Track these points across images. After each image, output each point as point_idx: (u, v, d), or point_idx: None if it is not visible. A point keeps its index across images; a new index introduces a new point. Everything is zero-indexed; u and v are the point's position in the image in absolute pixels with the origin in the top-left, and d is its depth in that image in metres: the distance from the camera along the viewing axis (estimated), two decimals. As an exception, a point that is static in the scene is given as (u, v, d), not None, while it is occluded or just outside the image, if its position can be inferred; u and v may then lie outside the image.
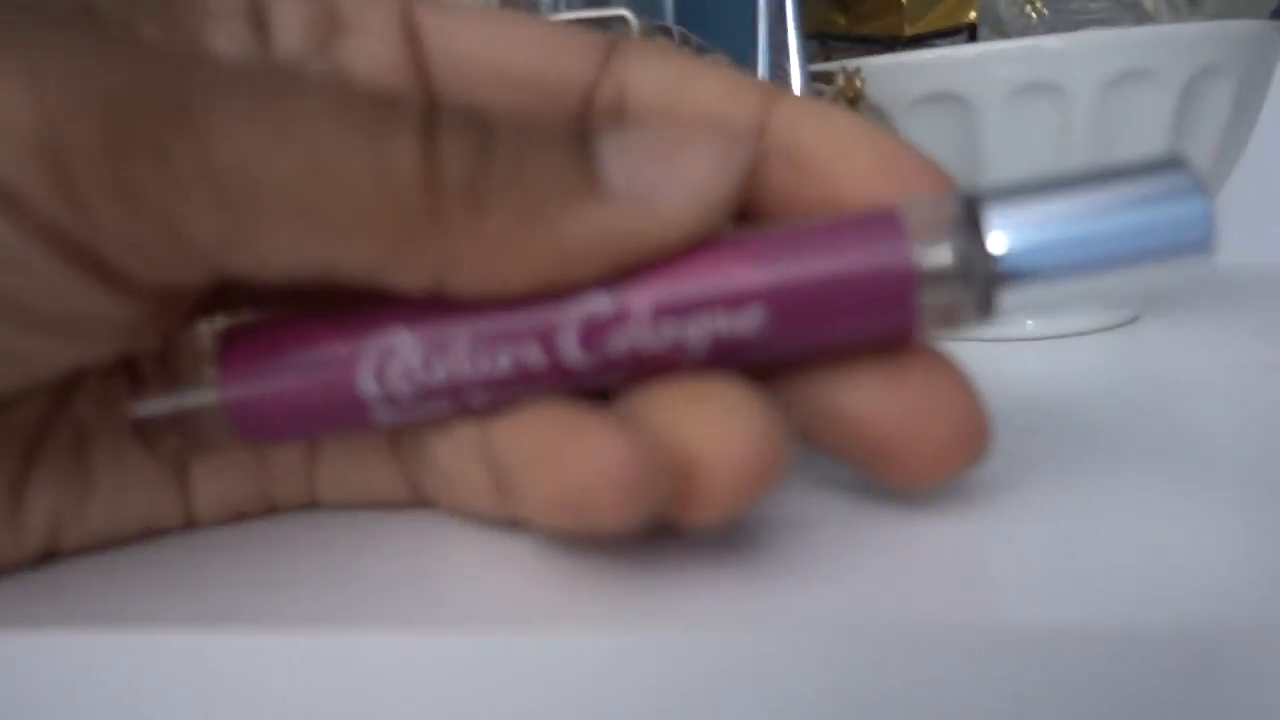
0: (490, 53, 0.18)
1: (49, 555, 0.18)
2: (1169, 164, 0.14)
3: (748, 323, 0.15)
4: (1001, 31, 0.26)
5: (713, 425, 0.14)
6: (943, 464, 0.15)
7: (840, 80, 0.26)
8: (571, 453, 0.14)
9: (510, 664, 0.14)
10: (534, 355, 0.15)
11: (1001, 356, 0.29)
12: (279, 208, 0.13)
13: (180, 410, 0.16)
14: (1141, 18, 0.27)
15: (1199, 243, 0.14)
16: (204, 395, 0.16)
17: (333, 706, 0.15)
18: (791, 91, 0.18)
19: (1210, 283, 0.39)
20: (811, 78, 0.26)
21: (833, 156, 0.17)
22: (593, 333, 0.15)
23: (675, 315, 0.15)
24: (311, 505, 0.19)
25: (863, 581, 0.14)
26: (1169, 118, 0.27)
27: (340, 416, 0.16)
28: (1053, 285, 0.15)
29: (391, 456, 0.18)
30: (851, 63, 0.27)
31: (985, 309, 0.15)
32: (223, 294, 0.18)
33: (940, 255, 0.14)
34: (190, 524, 0.19)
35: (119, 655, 0.15)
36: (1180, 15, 0.27)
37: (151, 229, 0.13)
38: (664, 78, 0.18)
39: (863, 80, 0.26)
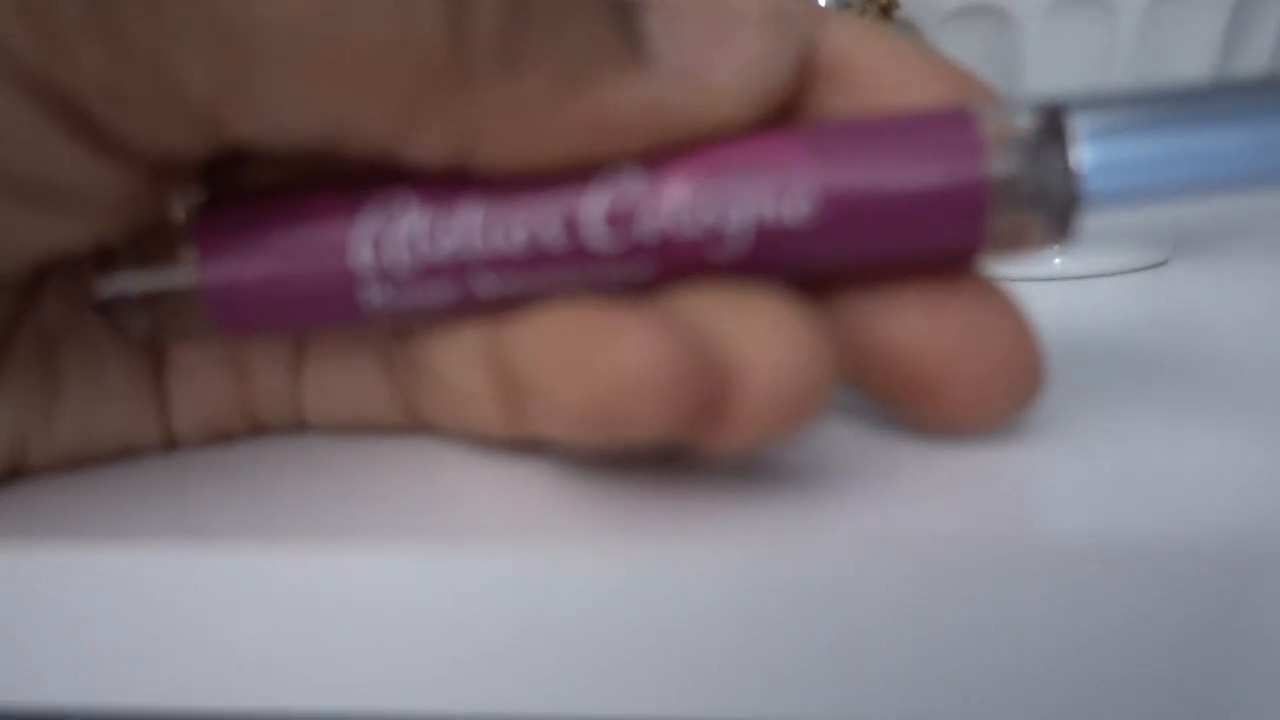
0: None
1: (15, 473, 0.16)
2: (1267, 84, 0.13)
3: (795, 212, 0.13)
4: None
5: (758, 336, 0.12)
6: (992, 404, 0.14)
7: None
8: (602, 352, 0.12)
9: (511, 581, 0.13)
10: (553, 232, 0.13)
11: (1030, 294, 0.28)
12: (283, 54, 0.12)
13: (150, 289, 0.15)
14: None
15: None
16: (177, 273, 0.15)
17: (320, 624, 0.13)
18: (833, 11, 0.16)
19: (1242, 223, 0.38)
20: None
21: (886, 75, 0.15)
22: (621, 210, 0.13)
23: (714, 195, 0.13)
24: (299, 426, 0.18)
25: (900, 499, 0.13)
26: (1217, 37, 0.26)
27: (327, 292, 0.14)
28: (1135, 208, 0.13)
29: (384, 370, 0.17)
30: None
31: (1061, 231, 0.13)
32: (223, 180, 0.16)
33: (1016, 168, 0.13)
34: (170, 443, 0.17)
35: (96, 570, 0.14)
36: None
37: (140, 76, 0.12)
38: None
39: (896, -8, 0.24)
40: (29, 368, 0.16)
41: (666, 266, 0.14)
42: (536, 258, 0.13)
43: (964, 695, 0.12)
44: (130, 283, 0.15)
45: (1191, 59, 0.26)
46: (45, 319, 0.16)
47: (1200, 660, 0.12)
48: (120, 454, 0.17)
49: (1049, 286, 0.29)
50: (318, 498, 0.15)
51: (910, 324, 0.14)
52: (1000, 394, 0.14)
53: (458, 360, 0.15)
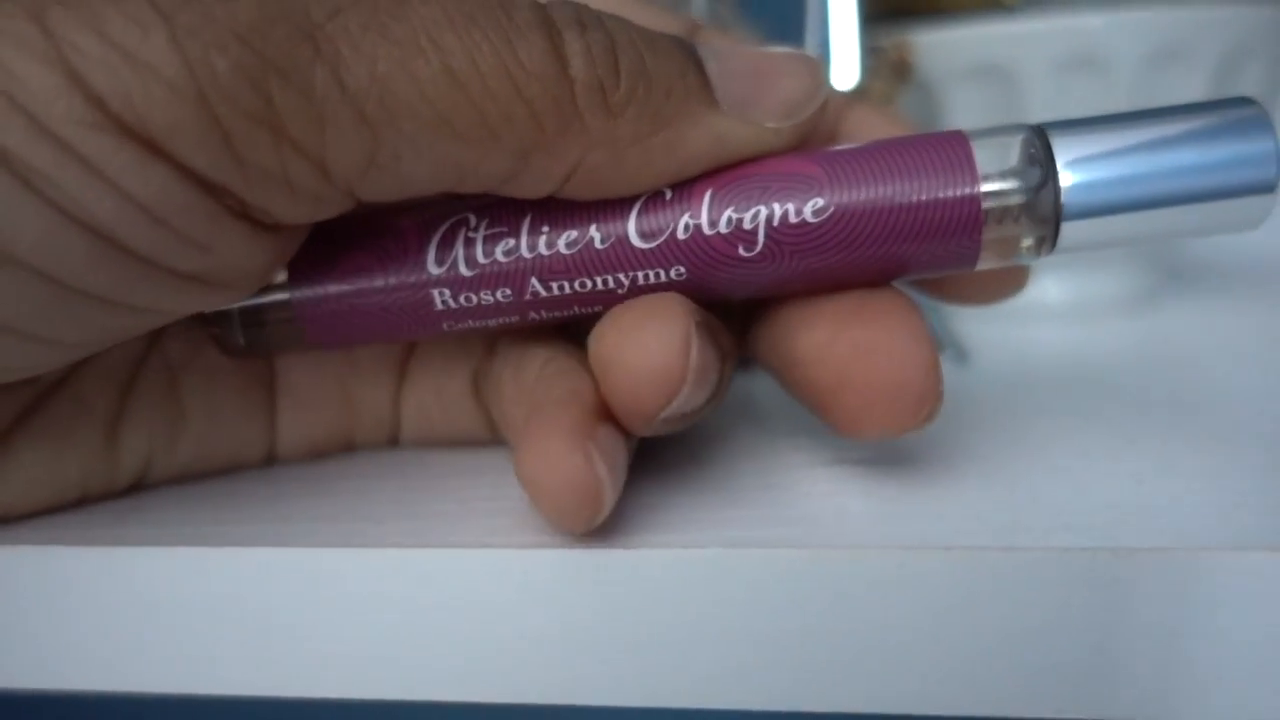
0: None
1: (136, 486, 0.18)
2: (1237, 102, 0.14)
3: (811, 213, 0.15)
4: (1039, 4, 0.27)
5: (633, 336, 0.14)
6: (878, 416, 0.15)
7: (890, 52, 0.26)
8: (525, 455, 0.14)
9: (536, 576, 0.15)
10: (598, 236, 0.15)
11: (1026, 326, 0.30)
12: (417, 122, 0.13)
13: (250, 308, 0.17)
14: None
15: (1263, 182, 0.14)
16: (270, 291, 0.16)
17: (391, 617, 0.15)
18: (847, 79, 0.18)
19: (1231, 261, 0.40)
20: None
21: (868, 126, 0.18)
22: (658, 216, 0.15)
23: (740, 199, 0.15)
24: (391, 444, 0.20)
25: (891, 514, 0.15)
26: (1204, 94, 0.28)
27: (407, 312, 0.16)
28: (1117, 220, 0.15)
29: (471, 392, 0.19)
30: (901, 36, 0.27)
31: (1050, 241, 0.15)
32: None
33: (1006, 182, 0.15)
34: (271, 459, 0.19)
35: (217, 568, 0.15)
36: None
37: (297, 162, 0.13)
38: None
39: (911, 52, 0.26)
40: (156, 398, 0.18)
41: (697, 268, 0.15)
42: (583, 262, 0.15)
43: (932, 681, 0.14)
44: (232, 312, 0.17)
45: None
46: (169, 354, 0.18)
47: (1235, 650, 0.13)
48: (227, 470, 0.19)
49: (1040, 320, 0.31)
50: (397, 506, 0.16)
51: (813, 337, 0.16)
52: (886, 407, 0.15)
53: (512, 400, 0.17)
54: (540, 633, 0.15)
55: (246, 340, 0.17)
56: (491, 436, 0.19)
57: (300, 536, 0.16)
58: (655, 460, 0.18)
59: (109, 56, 0.12)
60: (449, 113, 0.13)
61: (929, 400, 0.15)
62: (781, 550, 0.14)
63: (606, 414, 0.15)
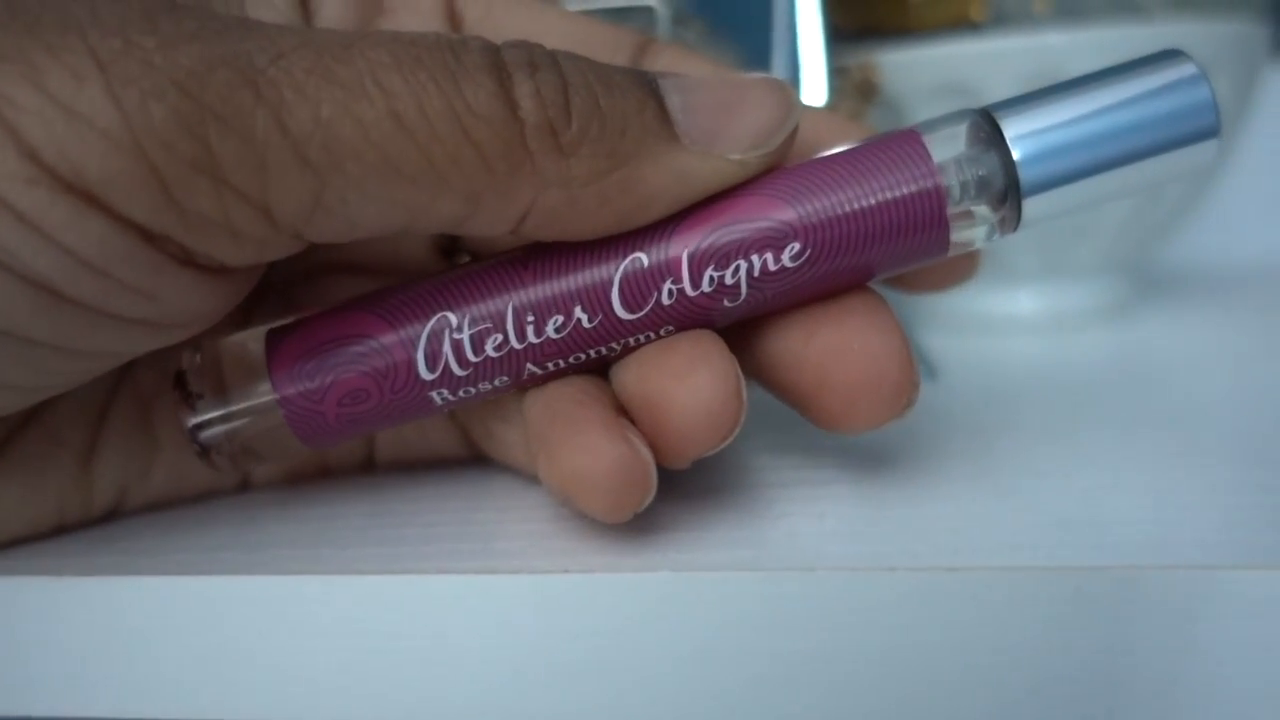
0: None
1: (112, 514, 0.18)
2: (1168, 56, 0.15)
3: (788, 258, 0.15)
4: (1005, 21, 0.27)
5: (677, 372, 0.15)
6: (857, 412, 0.15)
7: (855, 73, 0.27)
8: (563, 451, 0.14)
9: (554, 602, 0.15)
10: (584, 318, 0.15)
11: (999, 339, 0.30)
12: (363, 165, 0.13)
13: (236, 426, 0.16)
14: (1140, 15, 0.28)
15: (1206, 129, 0.15)
16: (259, 409, 0.16)
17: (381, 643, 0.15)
18: (815, 100, 0.19)
19: (1201, 276, 0.40)
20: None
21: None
22: (640, 285, 0.15)
23: (717, 258, 0.15)
24: (366, 468, 0.20)
25: (859, 532, 0.15)
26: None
27: (401, 409, 0.16)
28: (1075, 187, 0.15)
29: (449, 414, 0.19)
30: (866, 56, 0.28)
31: (1014, 218, 0.15)
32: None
33: (964, 171, 0.15)
34: (246, 487, 0.19)
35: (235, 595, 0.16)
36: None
37: (240, 208, 0.13)
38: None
39: (877, 73, 0.27)
40: (129, 429, 0.18)
41: (685, 324, 0.16)
42: (573, 341, 0.15)
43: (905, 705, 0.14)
44: (215, 427, 0.16)
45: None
46: (141, 385, 0.18)
47: (1168, 670, 0.14)
48: (202, 497, 0.19)
49: (1014, 332, 0.31)
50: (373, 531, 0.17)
51: (787, 343, 0.16)
52: (866, 403, 0.15)
53: (498, 416, 0.18)
54: (502, 658, 0.15)
55: (235, 461, 0.17)
56: (467, 453, 0.20)
57: (271, 564, 0.16)
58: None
59: (45, 109, 0.12)
60: (395, 156, 0.13)
61: (905, 390, 0.15)
62: (729, 573, 0.14)
63: (624, 411, 0.15)
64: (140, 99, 0.12)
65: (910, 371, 0.15)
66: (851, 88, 0.27)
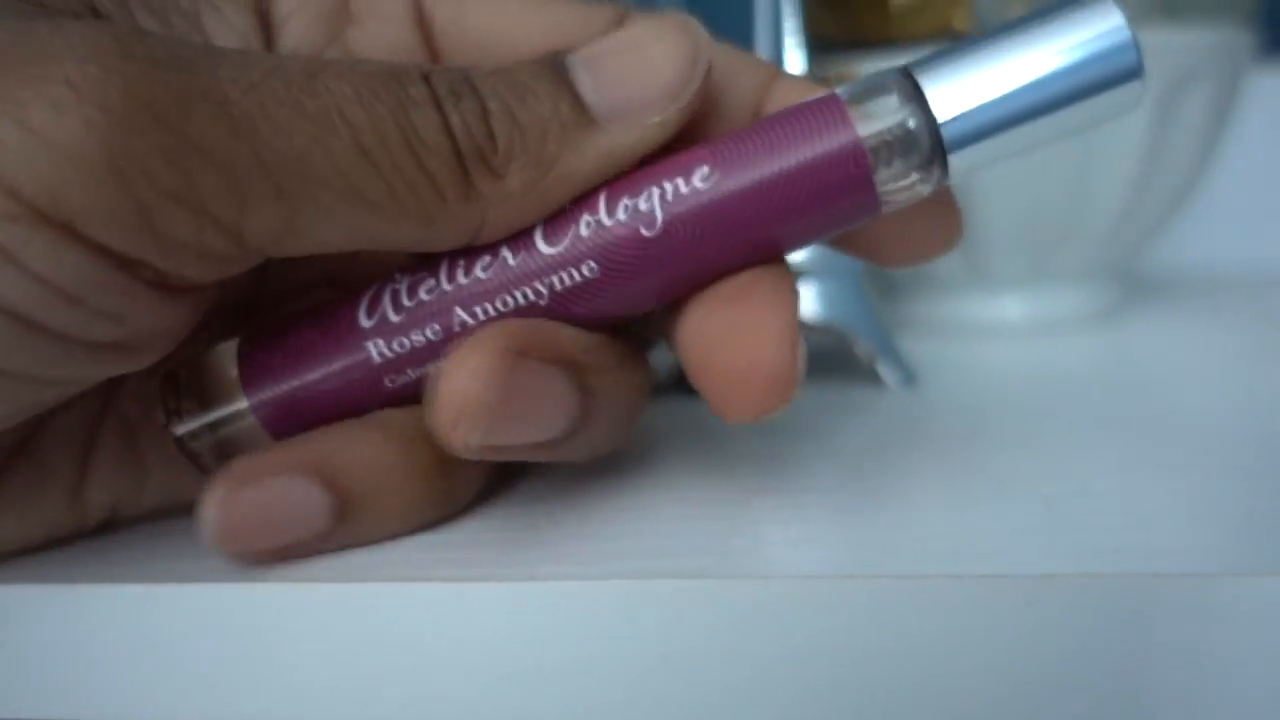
0: (503, 38, 0.18)
1: (106, 527, 0.18)
2: (1070, 10, 0.15)
3: (703, 182, 0.15)
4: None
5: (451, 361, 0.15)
6: (737, 401, 0.15)
7: (834, 82, 0.27)
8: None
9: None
10: (508, 255, 0.16)
11: (985, 345, 0.30)
12: (333, 194, 0.14)
13: (218, 434, 0.17)
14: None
15: (1129, 70, 0.15)
16: (236, 416, 0.17)
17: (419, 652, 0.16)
18: (792, 75, 0.19)
19: (1187, 282, 0.40)
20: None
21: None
22: (557, 222, 0.16)
23: (628, 190, 0.16)
24: None
25: (858, 535, 0.16)
26: (1149, 120, 0.28)
27: (347, 374, 0.16)
28: (1001, 136, 0.15)
29: None
30: (846, 66, 0.28)
31: (940, 172, 0.16)
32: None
33: (886, 127, 0.15)
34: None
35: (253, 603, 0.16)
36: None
37: (215, 234, 0.14)
38: None
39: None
40: (118, 456, 0.18)
41: (610, 262, 0.16)
42: (500, 280, 0.16)
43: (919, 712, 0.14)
44: (198, 434, 0.17)
45: (1126, 139, 0.29)
46: (126, 414, 0.18)
47: (1142, 677, 0.14)
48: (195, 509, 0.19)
49: (1004, 338, 0.31)
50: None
51: (688, 321, 0.16)
52: (742, 389, 0.15)
53: None
54: (464, 666, 0.15)
55: (220, 464, 0.17)
56: None
57: (258, 572, 0.16)
58: (579, 489, 0.19)
59: (25, 144, 0.12)
60: (361, 185, 0.14)
61: (782, 381, 0.15)
62: (686, 581, 0.14)
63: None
64: (120, 130, 0.13)
65: (790, 363, 0.15)
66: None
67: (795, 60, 0.27)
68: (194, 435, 0.17)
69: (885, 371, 0.25)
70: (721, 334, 0.15)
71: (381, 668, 0.15)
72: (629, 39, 0.16)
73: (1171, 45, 0.28)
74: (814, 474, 0.19)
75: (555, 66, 0.15)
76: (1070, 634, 0.14)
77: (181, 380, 0.17)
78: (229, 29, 0.17)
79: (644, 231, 0.15)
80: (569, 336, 0.16)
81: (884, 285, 0.34)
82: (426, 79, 0.15)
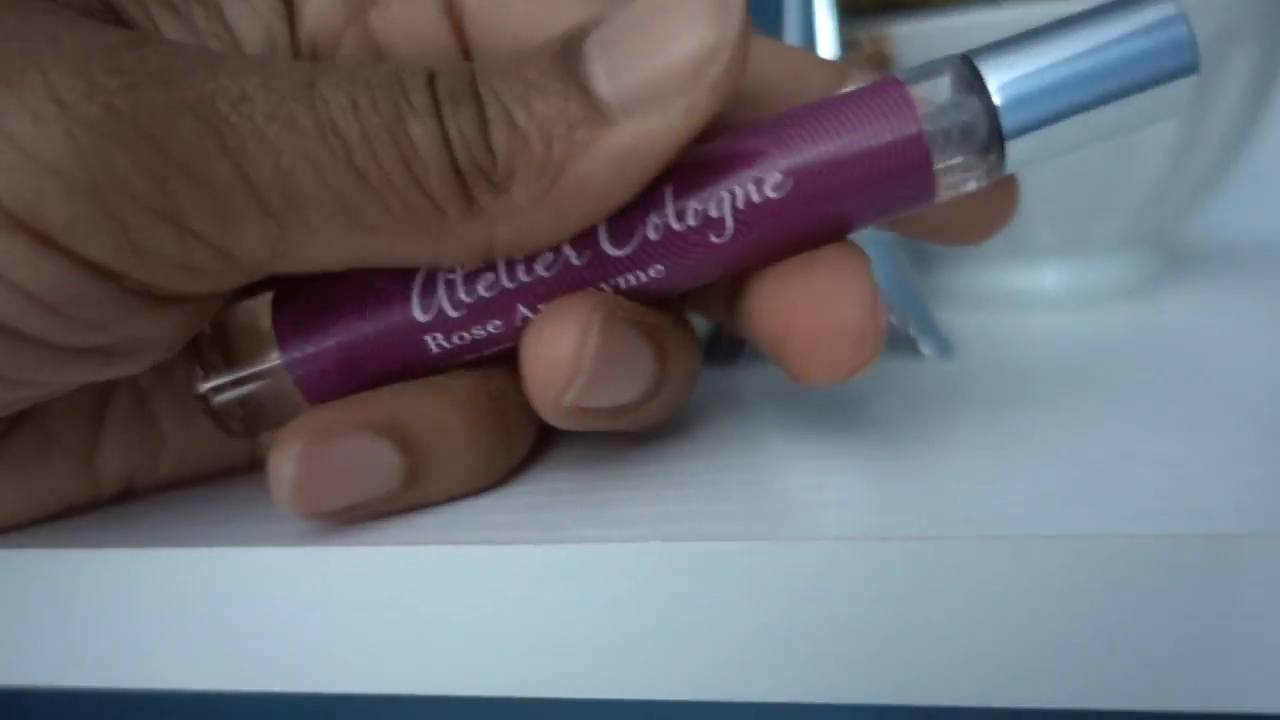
0: (539, 29, 0.17)
1: (124, 496, 0.18)
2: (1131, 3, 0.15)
3: (774, 190, 0.15)
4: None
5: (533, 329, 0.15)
6: (824, 362, 0.15)
7: (867, 45, 0.26)
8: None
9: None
10: (570, 255, 0.15)
11: (1023, 315, 0.30)
12: (323, 213, 0.13)
13: (246, 391, 0.17)
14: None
15: (1186, 65, 0.15)
16: (268, 374, 0.17)
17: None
18: (850, 64, 0.18)
19: (1226, 251, 0.39)
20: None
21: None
22: (623, 221, 0.15)
23: (703, 192, 0.15)
24: None
25: (889, 497, 0.15)
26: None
27: (401, 359, 0.16)
28: (1057, 127, 0.15)
29: None
30: (877, 29, 0.28)
31: (998, 161, 0.15)
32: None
33: (946, 114, 0.15)
34: (256, 467, 0.20)
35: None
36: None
37: (200, 251, 0.13)
38: None
39: (889, 45, 0.26)
40: (131, 425, 0.18)
41: (679, 264, 0.16)
42: (565, 280, 0.16)
43: (979, 673, 0.14)
44: (226, 391, 0.17)
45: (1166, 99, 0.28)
46: (139, 381, 0.18)
47: (1183, 638, 0.13)
48: (214, 478, 0.19)
49: (1041, 309, 0.31)
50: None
51: (762, 293, 0.16)
52: (828, 351, 0.15)
53: None
54: (491, 629, 0.15)
55: (246, 425, 0.17)
56: None
57: (280, 537, 0.16)
58: (609, 458, 0.18)
59: (5, 153, 0.12)
60: (354, 205, 0.13)
61: (869, 339, 0.15)
62: (718, 544, 0.14)
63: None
64: (102, 145, 0.12)
65: (874, 321, 0.15)
66: (863, 60, 0.26)
67: (825, 24, 0.26)
68: (219, 390, 0.17)
69: (922, 341, 0.25)
70: (801, 300, 0.15)
71: (409, 631, 0.15)
72: (642, 9, 0.14)
73: (1212, 3, 0.27)
74: (848, 441, 0.18)
75: (568, 55, 0.14)
76: (1110, 595, 0.13)
77: (208, 335, 0.17)
78: (254, 17, 0.16)
79: (714, 238, 0.15)
80: (641, 304, 0.16)
81: (920, 256, 0.33)
82: (431, 83, 0.14)
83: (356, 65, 0.14)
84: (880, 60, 0.27)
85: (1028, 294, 0.32)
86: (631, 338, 0.15)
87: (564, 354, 0.14)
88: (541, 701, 0.15)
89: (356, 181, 0.13)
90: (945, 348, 0.25)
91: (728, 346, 0.26)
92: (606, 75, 0.14)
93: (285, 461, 0.15)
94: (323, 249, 0.14)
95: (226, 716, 0.45)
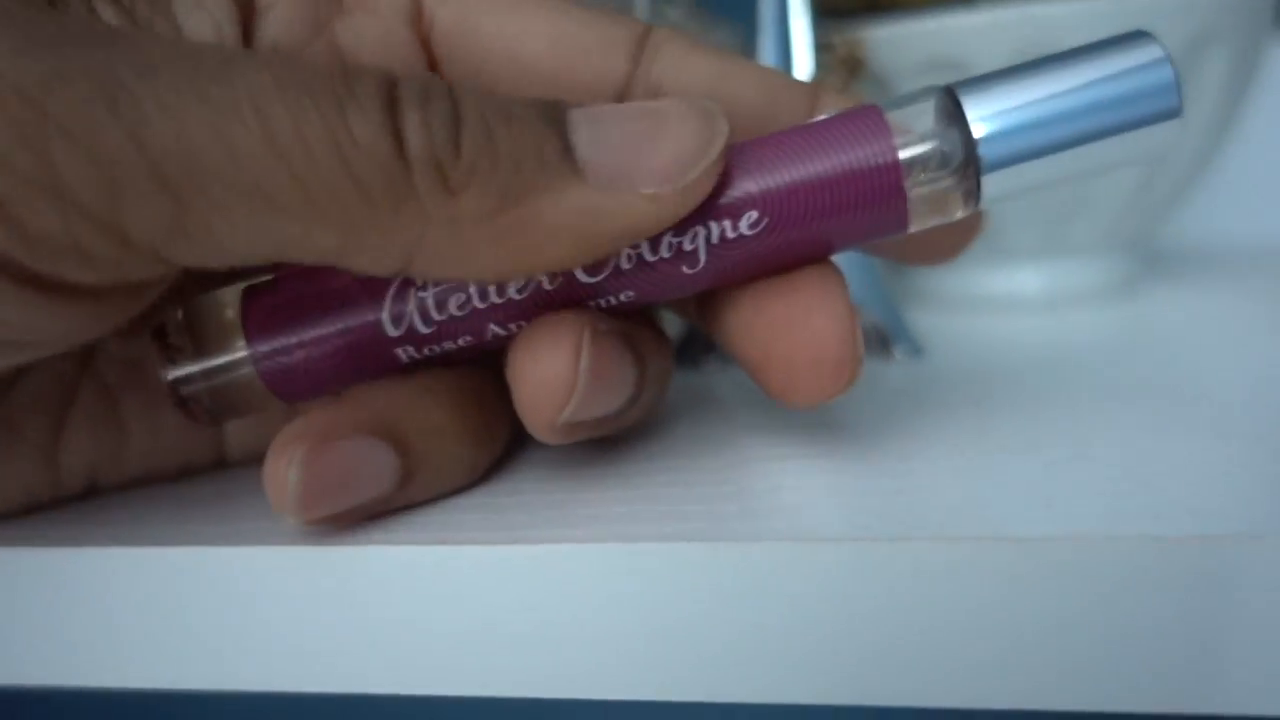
0: (509, 45, 0.17)
1: (88, 494, 0.18)
2: (1134, 36, 0.15)
3: (747, 227, 0.15)
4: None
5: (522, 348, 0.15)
6: (803, 389, 0.15)
7: (841, 49, 0.26)
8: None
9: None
10: (543, 279, 0.15)
11: (1001, 318, 0.30)
12: (227, 192, 0.12)
13: (214, 382, 0.17)
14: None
15: (1168, 109, 0.15)
16: (235, 365, 0.16)
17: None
18: (824, 84, 0.18)
19: (1204, 253, 0.40)
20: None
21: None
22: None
23: (674, 228, 0.15)
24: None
25: (865, 500, 0.15)
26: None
27: (369, 365, 0.16)
28: (1035, 164, 0.15)
29: None
30: (852, 32, 0.28)
31: (974, 194, 0.15)
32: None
33: (924, 145, 0.15)
34: (221, 465, 0.20)
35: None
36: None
37: (88, 230, 0.12)
38: (701, 75, 0.17)
39: (862, 49, 0.27)
40: (95, 421, 0.18)
41: (648, 291, 0.16)
42: (536, 302, 0.16)
43: (978, 674, 0.14)
44: (193, 380, 0.17)
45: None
46: (105, 377, 0.18)
47: (1179, 638, 0.13)
48: (179, 476, 0.19)
49: (1018, 311, 0.31)
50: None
51: (740, 315, 0.16)
52: (807, 378, 0.15)
53: None
54: (459, 629, 0.15)
55: (213, 415, 0.17)
56: None
57: (274, 536, 0.16)
58: (582, 459, 0.18)
59: None
60: (265, 183, 0.12)
61: (847, 367, 0.15)
62: (673, 545, 0.14)
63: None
64: None
65: (852, 351, 0.15)
66: (837, 63, 0.27)
67: (799, 27, 0.26)
68: (187, 380, 0.17)
69: (893, 343, 0.25)
70: (780, 326, 0.15)
71: (383, 630, 0.15)
72: (642, 108, 0.14)
73: (1188, 7, 0.27)
74: (817, 442, 0.18)
75: (552, 108, 0.14)
76: (1069, 597, 0.13)
77: (178, 322, 0.17)
78: (203, 14, 0.16)
79: (686, 269, 0.15)
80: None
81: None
82: (389, 84, 0.13)
83: (292, 58, 0.13)
84: (853, 63, 0.27)
85: (1006, 296, 0.32)
86: (618, 351, 0.15)
87: (559, 373, 0.15)
88: (524, 701, 0.15)
89: (274, 161, 0.12)
90: (916, 349, 0.25)
91: (699, 347, 0.26)
92: (589, 142, 0.14)
93: (287, 468, 0.15)
94: (228, 234, 0.13)
95: (224, 716, 0.45)
